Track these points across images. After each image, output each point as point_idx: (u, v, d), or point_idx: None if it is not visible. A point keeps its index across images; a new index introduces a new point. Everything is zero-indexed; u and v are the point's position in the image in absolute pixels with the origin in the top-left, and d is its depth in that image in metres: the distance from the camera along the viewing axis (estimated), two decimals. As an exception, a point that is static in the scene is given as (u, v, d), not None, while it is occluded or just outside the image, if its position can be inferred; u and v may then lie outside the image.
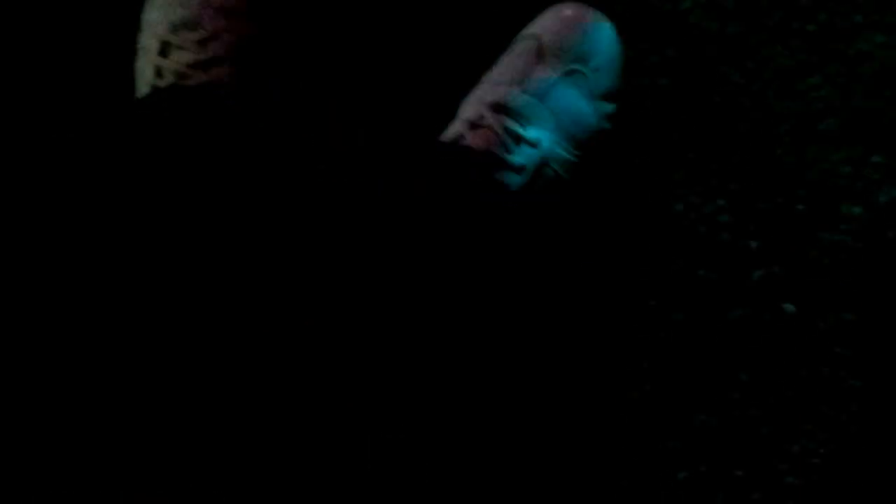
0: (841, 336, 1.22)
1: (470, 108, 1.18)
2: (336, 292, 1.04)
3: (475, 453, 1.24)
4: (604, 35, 1.17)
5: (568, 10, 1.17)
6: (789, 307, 1.24)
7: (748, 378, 1.25)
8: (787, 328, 1.24)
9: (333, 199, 1.09)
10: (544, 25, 1.19)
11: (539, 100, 1.15)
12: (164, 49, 1.17)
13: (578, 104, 1.16)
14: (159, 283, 0.97)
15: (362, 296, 1.04)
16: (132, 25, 1.20)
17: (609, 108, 1.18)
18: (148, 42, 1.19)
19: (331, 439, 1.09)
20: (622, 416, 1.29)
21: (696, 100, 1.24)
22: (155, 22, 1.19)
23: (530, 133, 1.14)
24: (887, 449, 1.21)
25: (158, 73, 1.17)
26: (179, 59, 1.17)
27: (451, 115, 1.20)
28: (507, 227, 1.13)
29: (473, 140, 1.15)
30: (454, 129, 1.17)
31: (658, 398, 1.27)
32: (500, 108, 1.15)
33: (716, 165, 1.24)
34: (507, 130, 1.14)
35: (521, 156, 1.14)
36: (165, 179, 1.01)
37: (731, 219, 1.24)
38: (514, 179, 1.14)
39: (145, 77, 1.18)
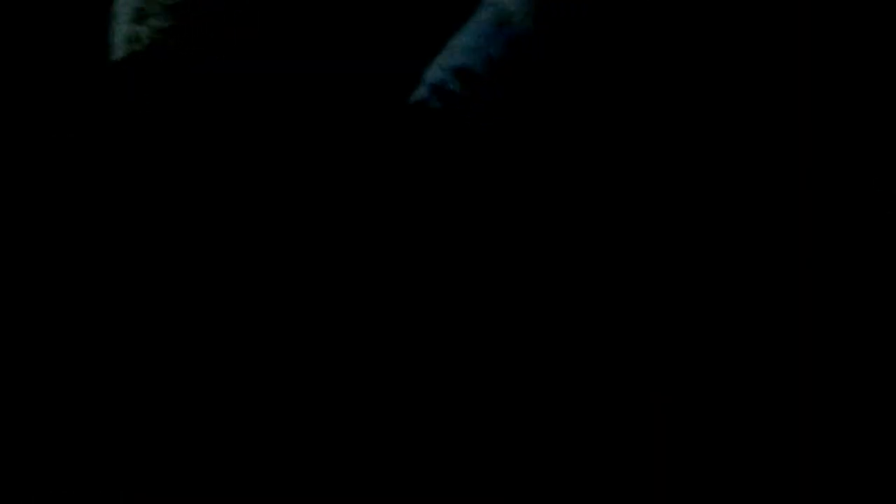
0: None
1: (434, 72, 1.21)
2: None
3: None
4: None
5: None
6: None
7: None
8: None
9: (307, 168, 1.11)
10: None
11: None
12: (138, 15, 1.21)
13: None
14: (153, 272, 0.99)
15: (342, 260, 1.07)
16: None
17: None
18: (122, 8, 1.23)
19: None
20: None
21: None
22: (130, -11, 1.23)
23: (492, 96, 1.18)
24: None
25: (131, 38, 1.21)
26: (152, 24, 1.21)
27: (416, 79, 1.23)
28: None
29: (437, 103, 1.18)
30: (419, 92, 1.20)
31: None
32: (462, 73, 1.19)
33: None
34: (470, 93, 1.17)
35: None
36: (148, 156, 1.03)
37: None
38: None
39: (119, 42, 1.22)
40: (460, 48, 1.21)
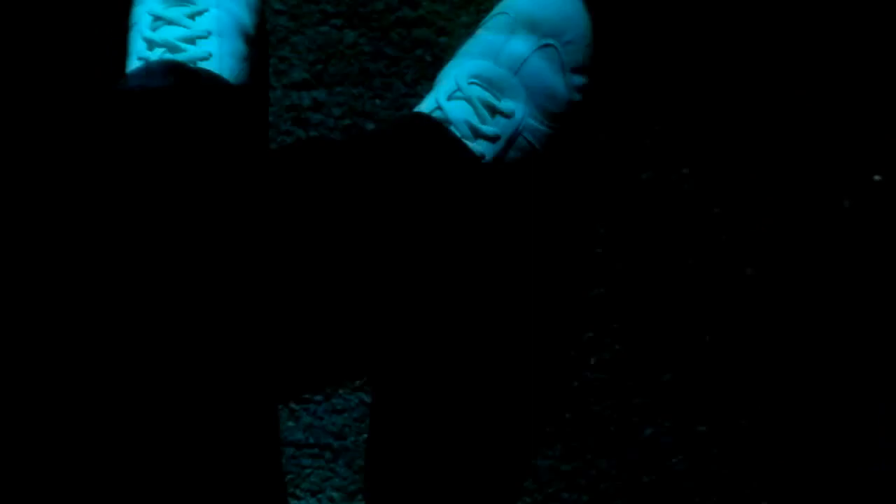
0: (795, 297, 1.27)
1: (446, 80, 1.23)
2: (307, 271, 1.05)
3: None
4: (576, 10, 1.22)
5: (541, -13, 1.22)
6: (749, 270, 1.30)
7: (712, 338, 1.30)
8: (747, 290, 1.29)
9: (309, 174, 1.12)
10: (517, 1, 1.24)
11: (512, 73, 1.20)
12: (156, 23, 1.22)
13: (550, 77, 1.21)
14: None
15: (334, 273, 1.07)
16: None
17: (580, 80, 1.23)
18: (140, 16, 1.24)
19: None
20: (591, 375, 1.34)
21: (662, 73, 1.29)
22: (147, -4, 1.24)
23: (504, 104, 1.19)
24: (843, 405, 1.26)
25: (149, 46, 1.22)
26: (170, 33, 1.22)
27: (428, 87, 1.25)
28: (478, 197, 1.18)
29: (449, 110, 1.19)
30: (431, 99, 1.22)
31: (626, 359, 1.32)
32: (474, 81, 1.20)
33: (681, 136, 1.29)
34: (482, 101, 1.19)
35: (495, 125, 1.19)
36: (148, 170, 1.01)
37: (695, 186, 1.29)
38: (488, 148, 1.18)
39: (136, 50, 1.23)
40: (471, 55, 1.23)
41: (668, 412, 1.30)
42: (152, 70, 1.20)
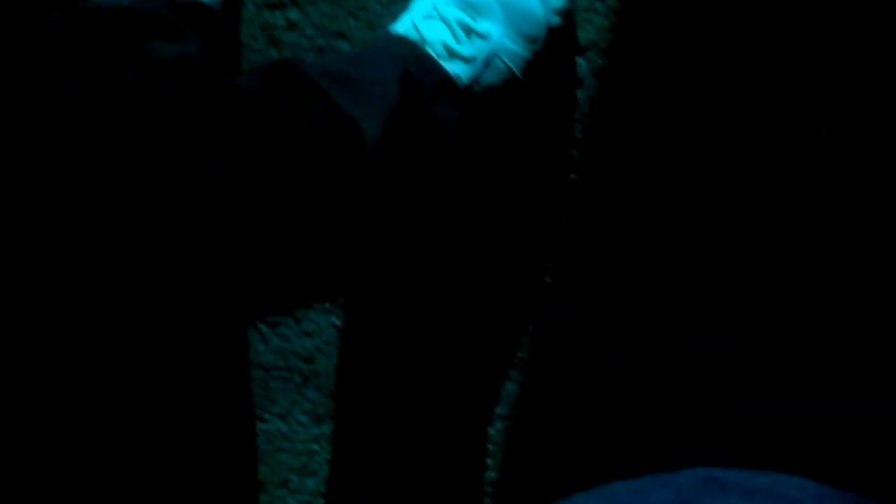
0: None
1: (422, 1, 1.22)
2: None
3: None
4: (553, -70, 1.21)
5: None
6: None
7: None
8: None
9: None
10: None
11: (489, -7, 1.19)
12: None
13: (527, -1, 1.20)
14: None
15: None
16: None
17: (558, 2, 1.22)
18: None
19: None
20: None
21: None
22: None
23: (480, 25, 1.18)
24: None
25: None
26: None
27: (403, 7, 1.24)
28: (455, 116, 1.17)
29: (425, 31, 1.19)
30: (406, 19, 1.21)
31: (596, 290, 1.32)
32: (450, 1, 1.19)
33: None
34: (458, 21, 1.18)
35: (471, 46, 1.18)
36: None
37: (665, 112, 1.29)
38: (464, 69, 1.18)
39: None
40: None
41: (635, 334, 1.31)
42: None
